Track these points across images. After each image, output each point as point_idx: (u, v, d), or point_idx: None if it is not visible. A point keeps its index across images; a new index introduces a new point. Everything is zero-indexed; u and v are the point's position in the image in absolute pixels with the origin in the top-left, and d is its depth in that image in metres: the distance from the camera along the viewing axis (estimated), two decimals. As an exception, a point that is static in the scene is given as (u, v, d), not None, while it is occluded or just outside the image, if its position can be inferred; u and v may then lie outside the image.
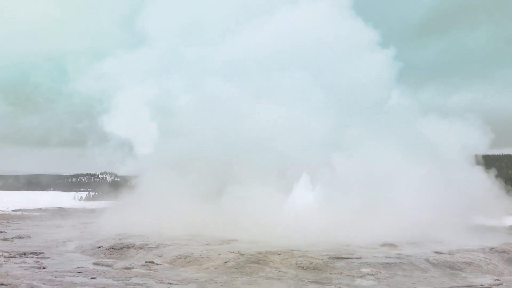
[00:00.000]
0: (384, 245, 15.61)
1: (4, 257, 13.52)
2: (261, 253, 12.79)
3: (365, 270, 11.49)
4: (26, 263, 12.57)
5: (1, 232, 20.65)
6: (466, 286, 10.41)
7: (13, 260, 13.09)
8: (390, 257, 13.00)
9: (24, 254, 14.03)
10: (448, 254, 13.46)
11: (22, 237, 18.65)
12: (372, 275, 11.12)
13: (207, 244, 15.25)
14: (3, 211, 37.86)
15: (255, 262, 12.22)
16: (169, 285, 10.10)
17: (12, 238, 18.32)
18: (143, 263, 12.91)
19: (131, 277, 10.78)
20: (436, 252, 13.80)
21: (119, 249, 14.91)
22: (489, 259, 12.97)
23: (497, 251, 13.96)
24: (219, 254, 13.11)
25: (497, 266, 12.64)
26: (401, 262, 12.34)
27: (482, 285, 10.51)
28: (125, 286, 9.85)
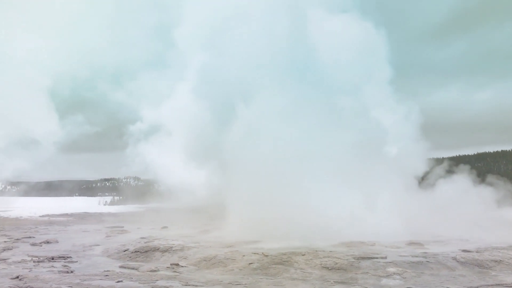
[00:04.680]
0: (409, 244, 15.39)
1: (33, 261, 13.83)
2: (285, 254, 12.75)
3: (391, 269, 11.35)
4: (54, 267, 12.81)
5: (30, 237, 21.08)
6: (496, 284, 10.17)
7: (42, 264, 13.37)
8: (416, 256, 12.81)
9: (52, 259, 14.30)
10: (476, 252, 13.19)
11: (50, 242, 19.01)
12: (399, 274, 10.97)
13: (230, 246, 15.29)
14: (31, 216, 38.67)
15: (279, 263, 12.20)
16: (194, 287, 10.14)
17: (40, 243, 18.70)
18: (168, 265, 13.01)
19: (157, 280, 10.87)
20: (464, 250, 13.53)
21: (144, 252, 15.06)
22: (519, 257, 12.65)
23: (527, 248, 13.63)
24: (243, 256, 13.11)
25: (527, 263, 12.31)
26: (427, 261, 12.14)
27: (513, 283, 10.26)
28: (151, 289, 9.95)
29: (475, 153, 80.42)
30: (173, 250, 14.85)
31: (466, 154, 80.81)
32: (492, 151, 77.29)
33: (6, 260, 14.06)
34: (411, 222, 18.87)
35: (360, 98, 24.16)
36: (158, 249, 15.14)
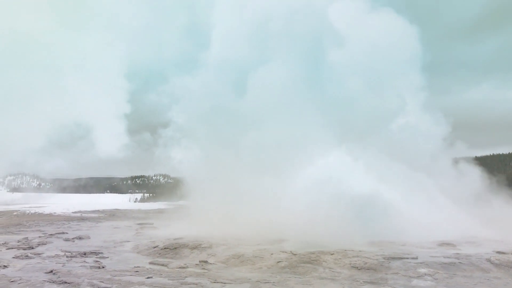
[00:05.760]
0: (441, 244, 15.05)
1: (66, 256, 14.18)
2: (313, 253, 12.66)
3: (422, 270, 11.12)
4: (86, 262, 13.10)
5: (63, 233, 21.62)
6: (533, 287, 9.83)
7: (75, 259, 13.69)
8: (448, 257, 12.51)
9: (84, 254, 14.62)
10: (512, 254, 12.79)
11: (82, 238, 19.44)
12: (430, 275, 10.73)
13: (258, 244, 15.28)
14: (64, 212, 39.68)
15: (308, 262, 12.13)
16: (223, 284, 10.17)
17: (73, 238, 19.15)
18: (197, 262, 13.10)
19: (186, 277, 10.96)
20: (498, 252, 13.13)
21: (174, 249, 15.22)
22: (558, 259, 12.19)
23: None
24: (272, 254, 13.09)
25: None
26: (460, 262, 11.84)
27: (550, 286, 9.89)
28: (180, 285, 10.02)
29: (510, 152, 78.12)
30: (202, 247, 14.95)
31: (501, 153, 78.72)
32: (527, 150, 75.00)
33: (41, 255, 14.47)
34: (441, 221, 18.45)
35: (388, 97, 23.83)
36: (187, 246, 15.27)
